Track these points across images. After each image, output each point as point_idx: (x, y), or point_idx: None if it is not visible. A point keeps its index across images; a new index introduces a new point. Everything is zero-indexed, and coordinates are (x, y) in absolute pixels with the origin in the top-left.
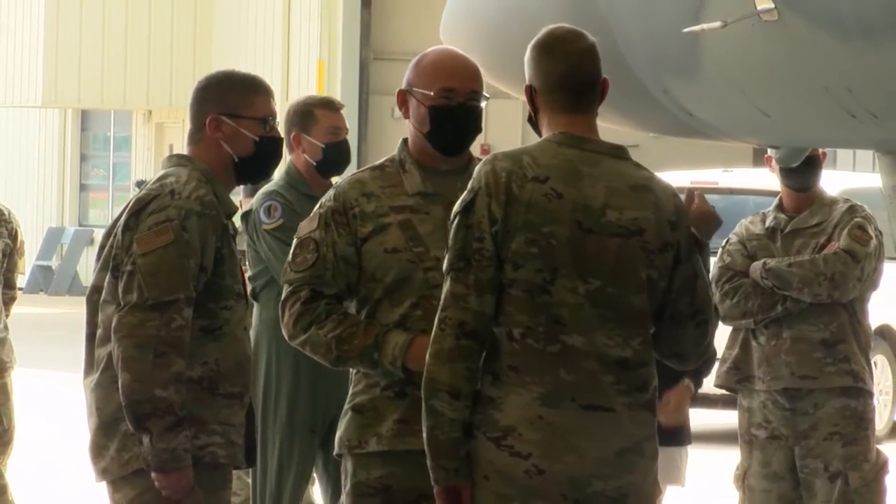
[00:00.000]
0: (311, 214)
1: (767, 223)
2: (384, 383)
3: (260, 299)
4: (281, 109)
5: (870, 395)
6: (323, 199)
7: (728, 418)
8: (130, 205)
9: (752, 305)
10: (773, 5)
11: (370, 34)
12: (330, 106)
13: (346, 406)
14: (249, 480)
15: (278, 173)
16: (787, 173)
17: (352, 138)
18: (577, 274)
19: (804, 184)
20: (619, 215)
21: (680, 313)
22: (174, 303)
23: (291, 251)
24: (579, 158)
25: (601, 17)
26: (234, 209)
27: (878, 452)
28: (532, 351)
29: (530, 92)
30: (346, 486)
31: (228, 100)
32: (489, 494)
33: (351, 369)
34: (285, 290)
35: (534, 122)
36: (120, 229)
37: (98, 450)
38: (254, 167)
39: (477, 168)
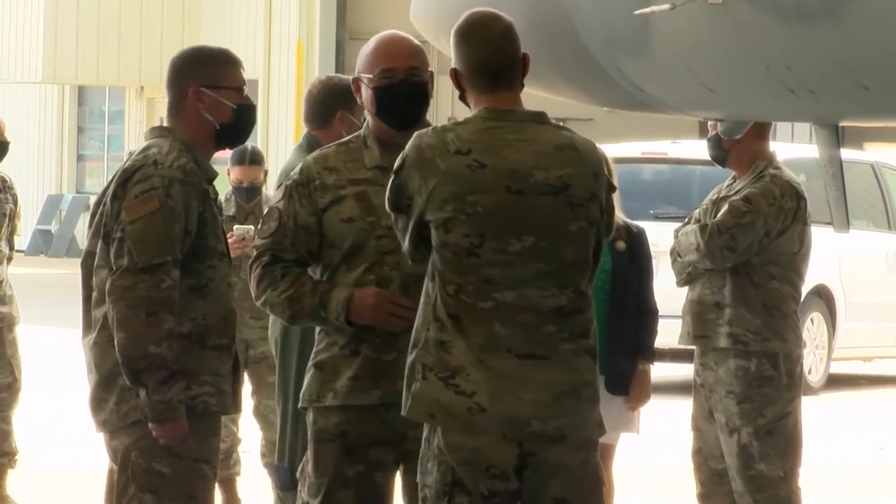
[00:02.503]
0: (280, 186)
1: (722, 190)
2: (342, 342)
3: None
4: (264, 88)
5: (765, 355)
6: (291, 173)
7: (678, 371)
8: (117, 175)
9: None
10: None
11: (346, 16)
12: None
13: (310, 363)
14: (235, 428)
15: (290, 148)
16: (708, 146)
17: None
18: (510, 234)
19: (715, 157)
20: (546, 175)
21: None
22: (162, 265)
23: (262, 220)
24: (504, 129)
25: (560, 1)
26: (215, 175)
27: (787, 403)
28: (465, 306)
29: (455, 74)
30: (310, 434)
31: (206, 73)
32: (434, 431)
33: (316, 330)
34: (253, 255)
35: (465, 100)
36: (109, 198)
37: (98, 403)
38: (233, 132)
39: (410, 140)
